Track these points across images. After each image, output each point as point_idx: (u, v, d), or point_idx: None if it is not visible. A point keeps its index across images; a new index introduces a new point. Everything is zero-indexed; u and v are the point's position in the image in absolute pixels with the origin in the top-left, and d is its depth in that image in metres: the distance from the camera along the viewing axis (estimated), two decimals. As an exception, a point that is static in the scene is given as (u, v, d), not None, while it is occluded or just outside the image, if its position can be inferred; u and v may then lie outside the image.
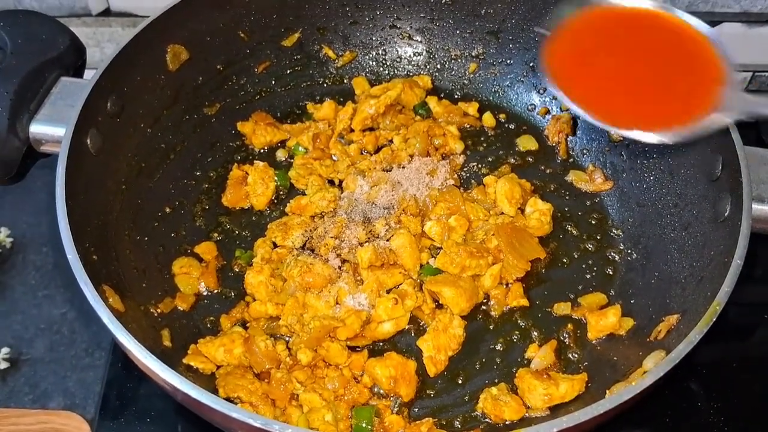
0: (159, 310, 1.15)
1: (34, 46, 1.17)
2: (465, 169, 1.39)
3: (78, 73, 1.23)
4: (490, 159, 1.40)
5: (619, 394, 0.87)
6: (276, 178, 1.33)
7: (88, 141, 1.11)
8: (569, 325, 1.18)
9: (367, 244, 1.20)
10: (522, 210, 1.30)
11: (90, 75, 1.16)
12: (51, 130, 1.13)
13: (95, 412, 1.18)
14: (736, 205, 1.04)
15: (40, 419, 1.19)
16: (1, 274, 1.37)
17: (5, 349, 1.26)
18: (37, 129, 1.13)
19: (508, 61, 1.48)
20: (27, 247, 1.41)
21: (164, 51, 1.27)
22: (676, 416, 1.19)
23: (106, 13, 1.59)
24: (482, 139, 1.44)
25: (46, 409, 1.22)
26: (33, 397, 1.23)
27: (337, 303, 1.15)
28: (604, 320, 1.15)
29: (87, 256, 1.00)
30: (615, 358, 1.10)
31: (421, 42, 1.51)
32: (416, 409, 1.09)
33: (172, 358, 1.07)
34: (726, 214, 1.06)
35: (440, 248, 1.22)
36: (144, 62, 1.23)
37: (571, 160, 1.41)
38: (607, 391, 0.99)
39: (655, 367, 0.92)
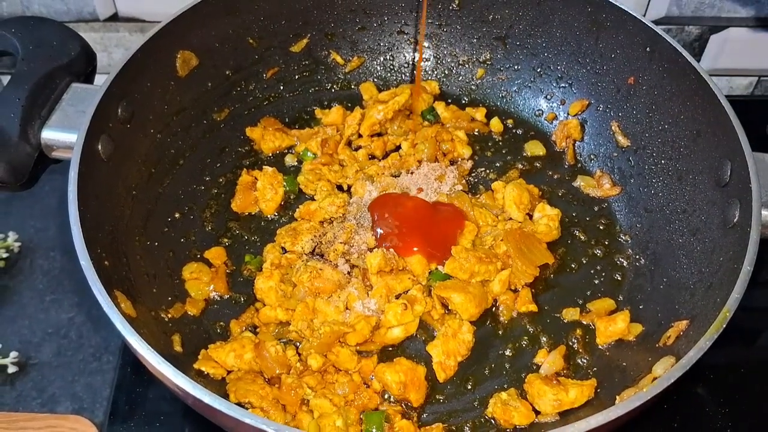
0: (169, 315, 1.15)
1: (45, 52, 1.17)
2: (473, 174, 1.39)
3: (88, 78, 1.23)
4: (498, 164, 1.41)
5: (630, 400, 0.87)
6: (285, 184, 1.33)
7: (99, 147, 1.11)
8: (578, 331, 1.18)
9: (376, 249, 1.20)
10: (530, 215, 1.30)
11: (99, 80, 1.16)
12: (62, 136, 1.13)
13: (104, 416, 1.19)
14: (746, 212, 1.04)
15: (48, 423, 1.19)
16: (9, 279, 1.37)
17: (13, 354, 1.26)
18: (48, 135, 1.13)
19: (516, 67, 1.48)
20: (35, 252, 1.41)
21: (174, 57, 1.28)
22: (684, 420, 1.19)
23: (114, 18, 1.59)
24: (490, 144, 1.44)
25: (54, 413, 1.22)
26: (41, 401, 1.23)
27: (346, 308, 1.15)
28: (612, 326, 1.15)
29: (99, 261, 1.00)
30: (624, 364, 1.11)
31: (428, 47, 1.52)
32: (426, 415, 1.09)
33: (182, 363, 1.07)
34: (735, 220, 1.06)
35: (449, 254, 1.22)
36: (154, 68, 1.23)
37: (579, 165, 1.41)
38: (617, 397, 0.99)
39: (665, 373, 0.92)
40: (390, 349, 1.16)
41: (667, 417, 1.19)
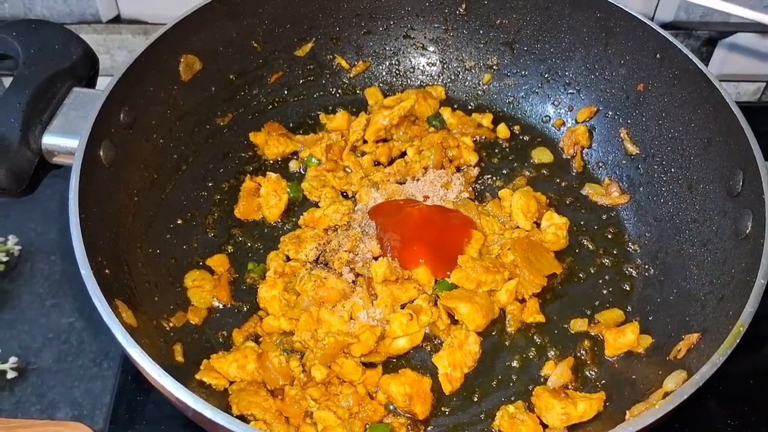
0: (171, 324, 1.14)
1: (47, 56, 1.16)
2: (479, 181, 1.38)
3: (91, 82, 1.22)
4: (504, 171, 1.39)
5: (641, 417, 0.86)
6: (289, 190, 1.32)
7: (101, 153, 1.10)
8: (586, 342, 1.17)
9: (381, 258, 1.18)
10: (538, 224, 1.28)
11: (102, 82, 1.15)
12: (63, 141, 1.11)
13: (104, 423, 1.18)
14: (758, 223, 1.02)
15: (47, 430, 1.18)
16: (9, 283, 1.36)
17: (13, 359, 1.25)
18: (49, 140, 1.12)
19: (523, 72, 1.47)
20: (35, 256, 1.40)
21: (177, 61, 1.26)
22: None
23: (117, 20, 1.58)
24: (497, 150, 1.43)
25: (53, 420, 1.21)
26: (40, 408, 1.22)
27: (351, 318, 1.14)
28: (622, 337, 1.13)
29: (100, 270, 0.99)
30: (633, 377, 1.09)
31: (434, 52, 1.50)
32: (431, 427, 1.08)
33: (184, 373, 1.06)
34: (747, 231, 1.05)
35: (455, 263, 1.20)
36: (157, 73, 1.22)
37: (587, 173, 1.40)
38: (627, 412, 0.97)
39: (676, 388, 0.91)
40: (395, 360, 1.15)
41: (674, 428, 1.18)
